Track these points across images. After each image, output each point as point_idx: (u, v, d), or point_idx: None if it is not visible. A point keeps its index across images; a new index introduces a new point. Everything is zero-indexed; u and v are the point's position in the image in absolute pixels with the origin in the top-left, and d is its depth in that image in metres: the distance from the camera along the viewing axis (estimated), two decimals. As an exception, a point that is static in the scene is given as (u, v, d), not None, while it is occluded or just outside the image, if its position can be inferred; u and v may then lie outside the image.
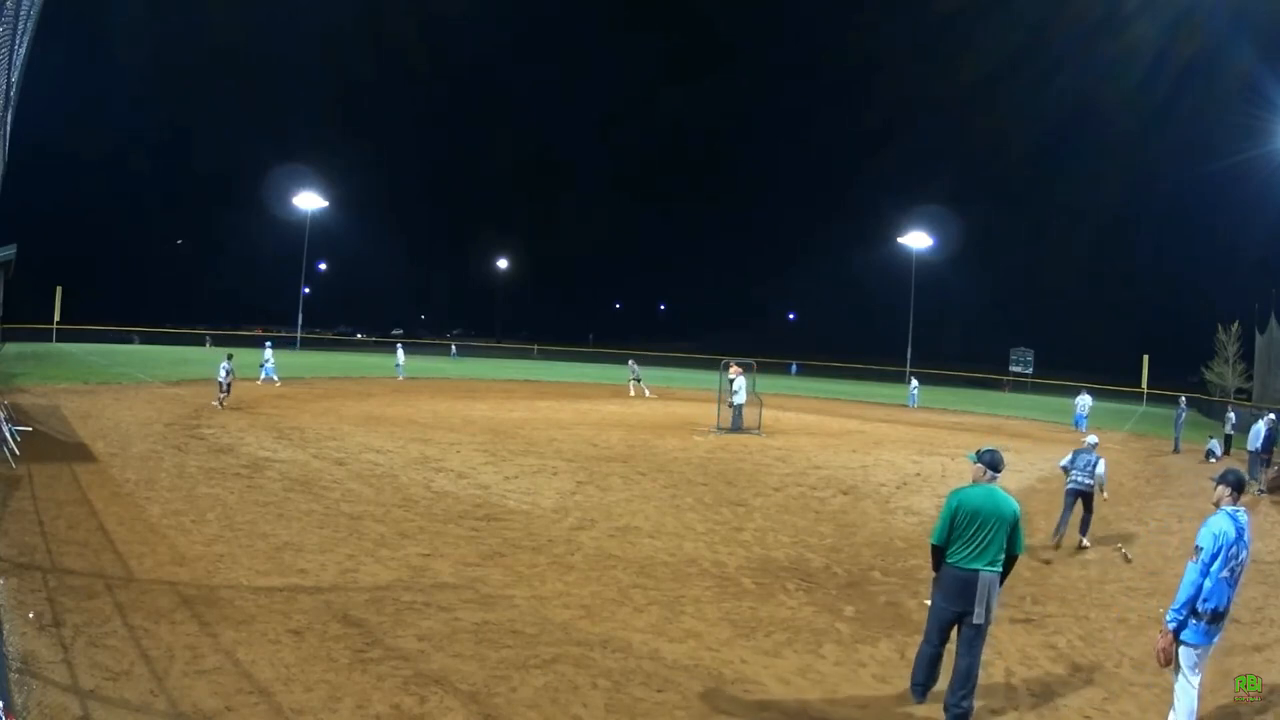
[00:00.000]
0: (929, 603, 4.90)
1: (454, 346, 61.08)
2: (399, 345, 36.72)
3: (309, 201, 56.09)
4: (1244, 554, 4.20)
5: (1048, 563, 8.28)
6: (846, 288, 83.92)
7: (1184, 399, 23.26)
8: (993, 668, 5.26)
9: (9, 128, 10.66)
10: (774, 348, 61.97)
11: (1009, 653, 5.57)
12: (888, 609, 6.36)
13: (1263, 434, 15.81)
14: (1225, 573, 4.10)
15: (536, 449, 13.99)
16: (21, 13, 7.52)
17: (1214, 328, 43.31)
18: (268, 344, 26.02)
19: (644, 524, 8.88)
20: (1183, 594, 4.10)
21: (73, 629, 4.86)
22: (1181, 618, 4.11)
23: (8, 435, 10.38)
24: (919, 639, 5.39)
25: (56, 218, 59.26)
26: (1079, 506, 9.15)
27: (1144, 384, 48.08)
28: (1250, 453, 16.03)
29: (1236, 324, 41.39)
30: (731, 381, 18.97)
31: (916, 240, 56.69)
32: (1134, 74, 65.43)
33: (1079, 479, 9.16)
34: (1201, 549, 4.12)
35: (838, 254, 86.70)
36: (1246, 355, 40.31)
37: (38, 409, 15.01)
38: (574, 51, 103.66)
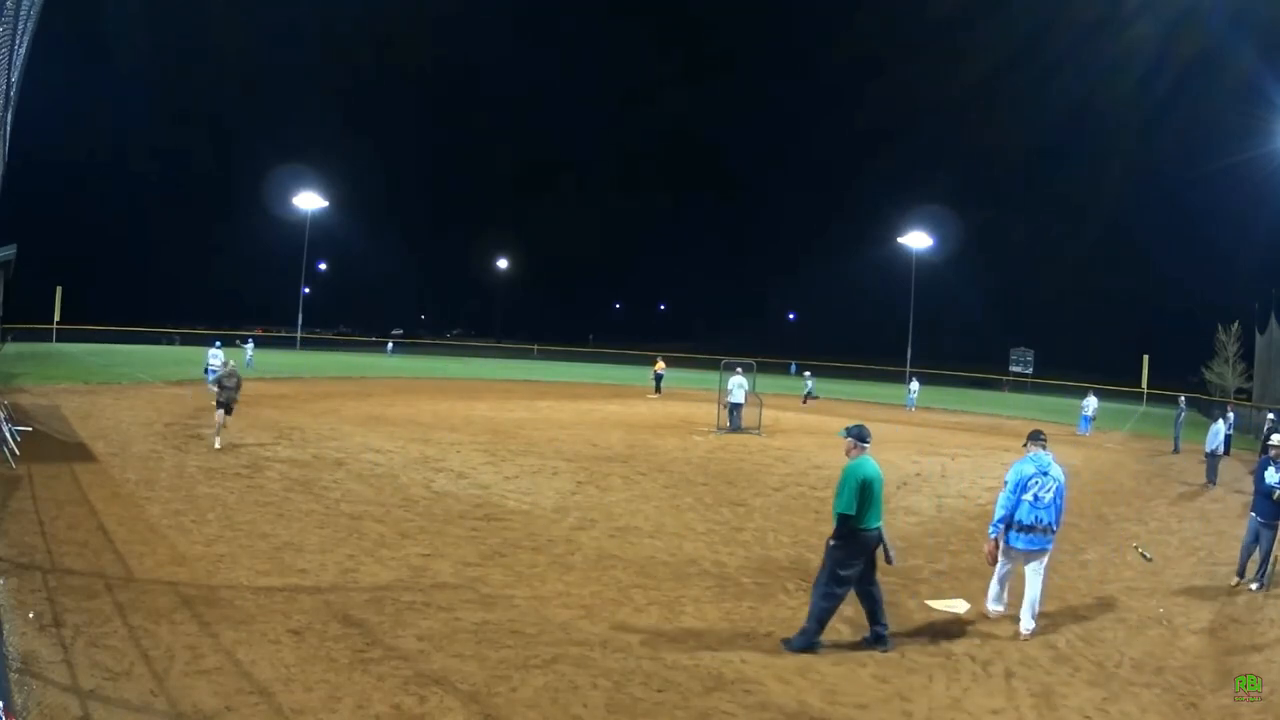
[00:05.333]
0: (831, 564, 5.44)
1: (390, 344, 59.82)
2: (249, 339, 34.25)
3: (309, 201, 56.10)
4: (1048, 482, 5.93)
5: None
6: (847, 288, 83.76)
7: (1184, 399, 23.23)
8: (993, 667, 5.27)
9: (9, 128, 10.65)
10: (774, 348, 62.04)
11: (1009, 653, 5.57)
12: (887, 609, 6.34)
13: (1221, 435, 15.59)
14: (1029, 496, 5.91)
15: (536, 449, 13.99)
16: (21, 13, 7.52)
17: (1214, 328, 43.22)
18: (216, 343, 23.23)
19: (644, 524, 8.88)
20: (996, 513, 6.02)
21: (73, 629, 4.85)
22: (998, 529, 6.02)
23: (8, 435, 10.38)
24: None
25: (56, 218, 59.30)
26: None
27: (1144, 384, 47.99)
28: (1207, 454, 15.39)
29: (1236, 324, 41.27)
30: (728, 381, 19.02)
31: (916, 240, 56.63)
32: (1134, 74, 65.26)
33: None
34: (1007, 482, 6.05)
35: (838, 254, 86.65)
36: (1246, 355, 40.23)
37: (38, 409, 15.01)
38: (575, 51, 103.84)
